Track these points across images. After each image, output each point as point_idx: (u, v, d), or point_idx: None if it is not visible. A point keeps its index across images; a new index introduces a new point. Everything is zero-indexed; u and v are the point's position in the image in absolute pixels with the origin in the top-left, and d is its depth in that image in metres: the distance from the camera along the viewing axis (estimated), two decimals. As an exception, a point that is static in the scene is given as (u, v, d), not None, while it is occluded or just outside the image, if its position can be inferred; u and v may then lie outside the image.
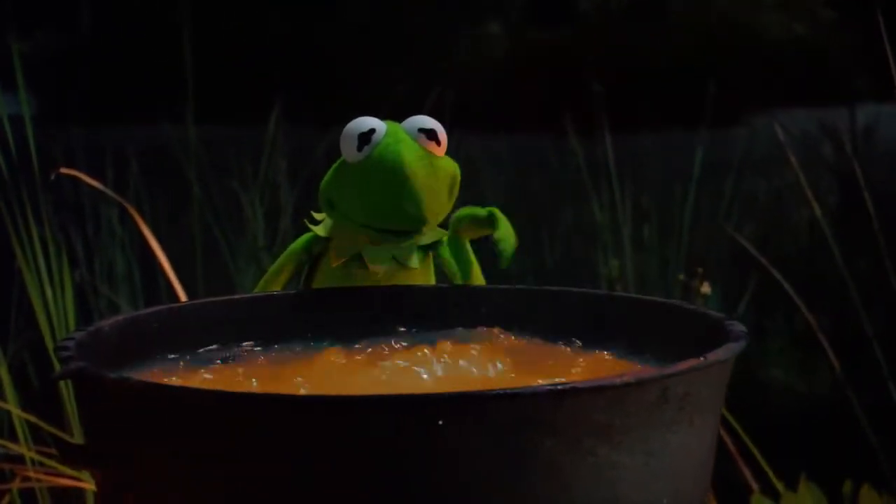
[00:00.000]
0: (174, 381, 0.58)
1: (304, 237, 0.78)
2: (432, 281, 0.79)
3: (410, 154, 0.71)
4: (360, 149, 0.72)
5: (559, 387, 0.49)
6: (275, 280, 0.78)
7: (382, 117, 0.74)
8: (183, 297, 1.52)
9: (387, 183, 0.71)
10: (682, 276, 1.71)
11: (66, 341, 0.57)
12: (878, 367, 1.65)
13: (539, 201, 3.38)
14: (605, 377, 0.49)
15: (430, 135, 0.73)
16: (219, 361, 0.65)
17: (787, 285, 1.69)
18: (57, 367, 0.55)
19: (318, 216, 0.79)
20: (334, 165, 0.75)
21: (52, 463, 1.54)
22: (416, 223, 0.73)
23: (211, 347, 0.66)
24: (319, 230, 0.77)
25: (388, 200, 0.72)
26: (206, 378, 0.59)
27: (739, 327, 0.57)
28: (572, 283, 2.83)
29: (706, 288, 1.59)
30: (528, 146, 3.76)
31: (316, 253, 0.78)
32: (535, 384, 0.54)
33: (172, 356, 0.63)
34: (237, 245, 2.32)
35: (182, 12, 2.15)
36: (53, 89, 3.46)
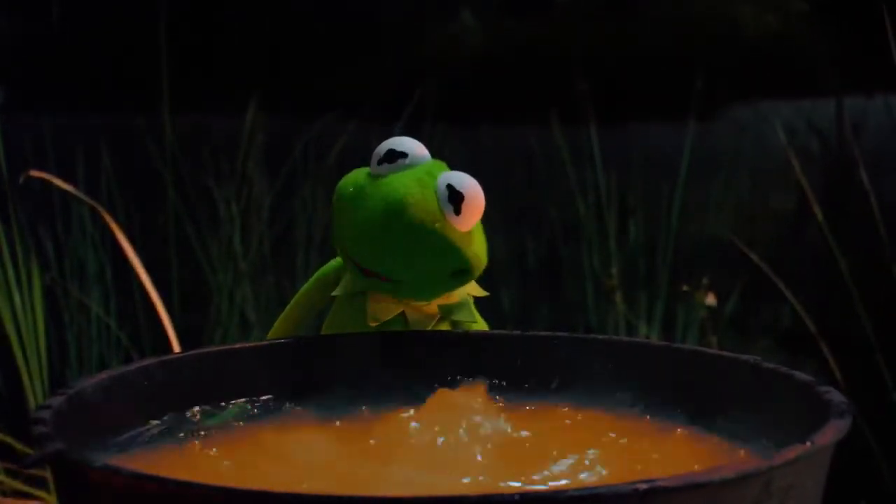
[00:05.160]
0: (174, 464, 0.49)
1: (333, 263, 0.69)
2: None
3: (415, 198, 0.60)
4: (379, 163, 0.63)
5: (643, 485, 0.40)
6: (304, 304, 0.69)
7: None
8: (157, 300, 1.43)
9: (367, 214, 0.61)
10: (686, 287, 1.62)
11: (42, 411, 0.48)
12: (875, 369, 1.58)
13: (521, 195, 3.30)
14: (699, 473, 0.41)
15: (454, 197, 0.61)
16: (236, 423, 0.55)
17: (782, 285, 1.62)
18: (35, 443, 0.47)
19: None
20: (362, 169, 0.64)
21: (19, 485, 1.45)
22: (397, 275, 0.62)
23: (212, 412, 0.57)
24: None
25: (361, 235, 0.62)
26: (213, 458, 0.50)
27: (838, 397, 0.48)
28: (557, 279, 2.76)
29: (711, 299, 1.51)
30: (510, 139, 3.67)
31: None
32: (609, 481, 0.46)
33: (168, 426, 0.54)
34: (212, 244, 2.23)
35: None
36: (21, 78, 3.35)
